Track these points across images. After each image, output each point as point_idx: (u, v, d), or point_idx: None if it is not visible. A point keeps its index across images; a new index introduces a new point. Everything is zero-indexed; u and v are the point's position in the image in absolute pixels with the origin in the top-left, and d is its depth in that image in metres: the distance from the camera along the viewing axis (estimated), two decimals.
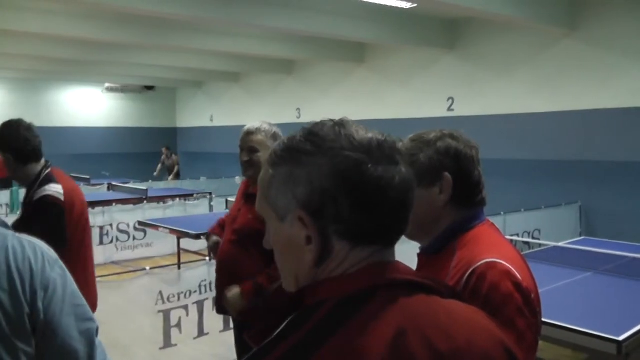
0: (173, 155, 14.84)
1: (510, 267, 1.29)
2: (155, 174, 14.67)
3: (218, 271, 2.86)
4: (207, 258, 5.62)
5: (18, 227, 2.75)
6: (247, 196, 2.75)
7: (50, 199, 2.62)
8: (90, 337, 1.27)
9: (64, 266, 1.30)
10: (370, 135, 0.85)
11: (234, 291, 2.63)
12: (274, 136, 2.69)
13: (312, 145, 0.84)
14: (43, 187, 2.65)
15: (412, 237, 1.46)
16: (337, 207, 0.81)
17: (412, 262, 1.07)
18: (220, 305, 2.89)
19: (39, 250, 1.26)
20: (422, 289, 0.85)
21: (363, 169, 0.81)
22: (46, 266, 1.24)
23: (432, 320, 0.81)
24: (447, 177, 1.42)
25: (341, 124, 0.87)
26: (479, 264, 1.29)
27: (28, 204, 2.69)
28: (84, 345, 1.25)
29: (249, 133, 2.71)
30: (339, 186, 0.81)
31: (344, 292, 0.81)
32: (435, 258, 1.43)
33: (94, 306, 2.97)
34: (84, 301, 1.30)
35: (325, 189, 0.81)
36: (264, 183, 0.89)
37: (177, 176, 14.53)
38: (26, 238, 1.28)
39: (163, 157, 14.91)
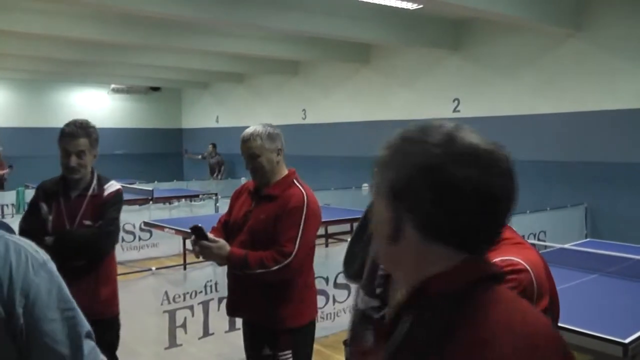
0: (217, 155, 14.72)
1: (529, 268, 1.30)
2: (188, 155, 14.73)
3: (231, 273, 2.83)
4: None
5: (93, 216, 2.89)
6: (259, 197, 2.74)
7: (121, 192, 3.06)
8: (78, 341, 1.24)
9: (52, 269, 1.27)
10: (476, 141, 0.88)
11: (224, 249, 2.61)
12: (270, 137, 2.69)
13: (419, 136, 0.90)
14: (109, 182, 3.05)
15: None
16: (418, 198, 0.86)
17: None
18: (232, 308, 2.86)
19: (24, 254, 1.23)
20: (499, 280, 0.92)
21: (451, 170, 0.84)
22: (29, 270, 1.21)
23: (520, 308, 0.87)
24: None
25: (456, 126, 0.91)
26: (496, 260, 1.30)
27: (97, 195, 2.96)
28: (71, 350, 1.22)
29: (245, 141, 2.70)
30: (425, 180, 0.85)
31: (452, 287, 0.86)
32: None
33: (115, 295, 3.08)
34: (73, 305, 1.28)
35: (412, 178, 0.86)
36: (376, 162, 0.97)
37: (219, 174, 14.49)
38: (13, 240, 1.25)
39: (206, 153, 14.85)
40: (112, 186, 3.03)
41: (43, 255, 1.28)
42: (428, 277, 0.88)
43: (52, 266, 1.28)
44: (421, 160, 0.86)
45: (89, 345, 1.27)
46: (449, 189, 0.84)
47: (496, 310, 0.84)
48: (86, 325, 1.28)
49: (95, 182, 3.00)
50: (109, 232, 2.93)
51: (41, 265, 1.25)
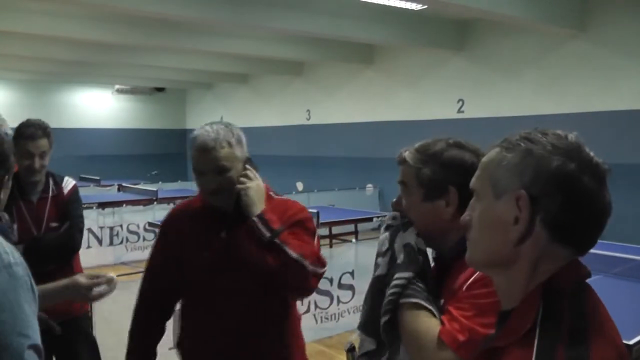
0: None
1: None
2: None
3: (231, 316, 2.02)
4: None
5: (61, 215, 2.88)
6: (230, 221, 1.97)
7: (77, 187, 3.05)
8: (19, 351, 1.18)
9: (17, 274, 1.22)
10: (592, 154, 0.97)
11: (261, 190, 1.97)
12: (239, 141, 2.00)
13: (549, 141, 0.94)
14: (63, 179, 3.01)
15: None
16: (551, 200, 0.90)
17: None
18: None
19: None
20: None
21: (582, 178, 0.91)
22: None
23: None
24: (452, 190, 1.41)
25: (576, 135, 0.99)
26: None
27: (57, 195, 2.94)
28: (9, 357, 1.17)
29: (209, 149, 1.93)
30: (557, 185, 0.91)
31: (576, 281, 0.93)
32: (453, 264, 1.41)
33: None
34: (26, 316, 1.22)
35: (546, 182, 0.91)
36: (492, 162, 0.98)
37: None
38: None
39: None
40: (69, 183, 3.02)
41: (12, 258, 1.23)
42: (554, 273, 0.92)
43: (19, 271, 1.22)
44: (557, 166, 0.91)
45: (33, 358, 1.21)
46: (579, 196, 0.90)
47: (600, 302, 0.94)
48: (36, 340, 1.22)
49: (51, 181, 2.95)
50: (80, 230, 2.97)
51: (5, 267, 1.20)
